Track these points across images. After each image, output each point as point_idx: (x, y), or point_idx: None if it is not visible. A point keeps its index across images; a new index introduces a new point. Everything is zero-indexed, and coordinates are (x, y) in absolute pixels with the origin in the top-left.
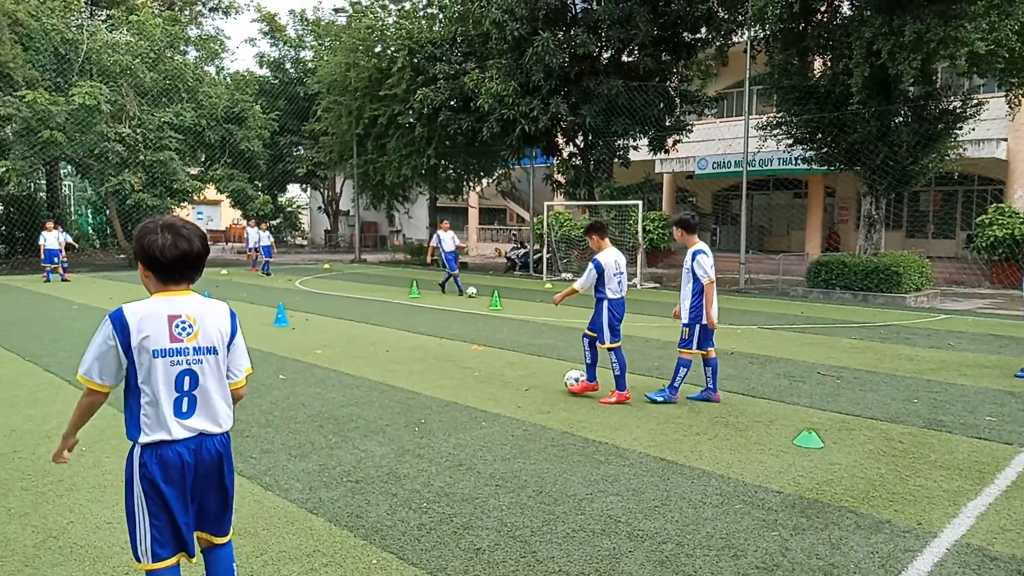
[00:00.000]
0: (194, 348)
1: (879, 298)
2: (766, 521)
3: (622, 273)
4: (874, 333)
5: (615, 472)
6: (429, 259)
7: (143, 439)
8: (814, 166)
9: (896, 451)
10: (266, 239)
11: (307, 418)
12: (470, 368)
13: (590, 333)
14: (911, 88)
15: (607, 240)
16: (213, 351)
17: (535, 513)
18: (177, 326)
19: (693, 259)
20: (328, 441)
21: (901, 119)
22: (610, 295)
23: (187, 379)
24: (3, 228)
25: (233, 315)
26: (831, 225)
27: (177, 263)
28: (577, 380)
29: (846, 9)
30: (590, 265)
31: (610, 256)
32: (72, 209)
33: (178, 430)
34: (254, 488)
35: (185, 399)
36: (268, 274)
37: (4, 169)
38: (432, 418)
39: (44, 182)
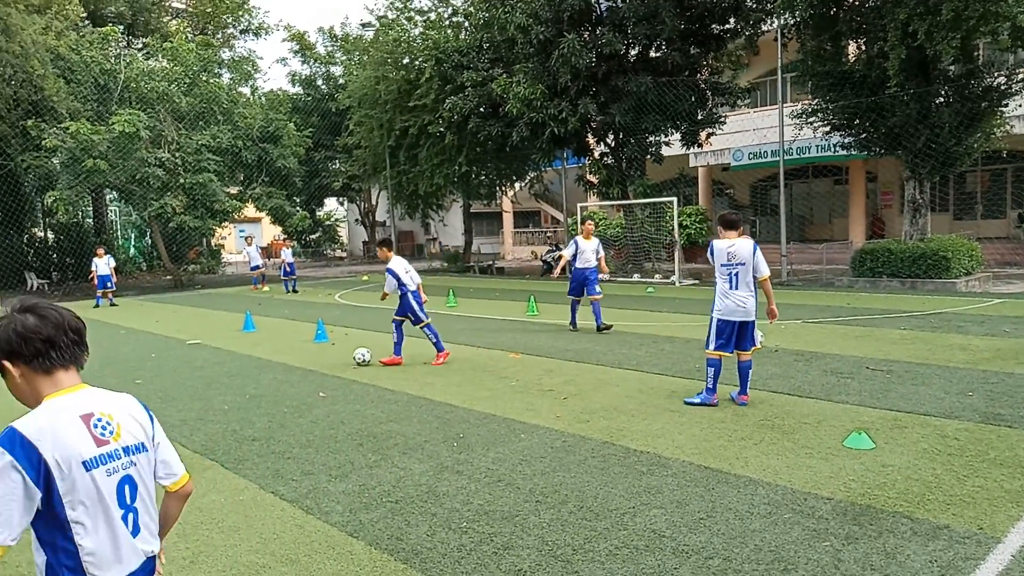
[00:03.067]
0: (123, 448)
1: (928, 285)
2: (816, 531)
3: (409, 271)
4: (924, 322)
5: (658, 483)
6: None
7: None
8: (853, 152)
9: (952, 449)
10: (289, 256)
11: (347, 436)
12: (508, 378)
13: (397, 317)
14: (951, 67)
15: (392, 252)
16: (142, 449)
17: (577, 530)
18: (95, 425)
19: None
20: (367, 460)
21: (942, 99)
22: (410, 288)
23: (127, 488)
24: (54, 255)
25: (144, 406)
26: (874, 211)
27: (54, 337)
28: (365, 357)
29: None
30: (386, 273)
31: (399, 264)
32: (119, 233)
33: (132, 558)
34: (295, 512)
35: (130, 515)
36: (295, 291)
37: (53, 199)
38: (470, 432)
39: (91, 209)
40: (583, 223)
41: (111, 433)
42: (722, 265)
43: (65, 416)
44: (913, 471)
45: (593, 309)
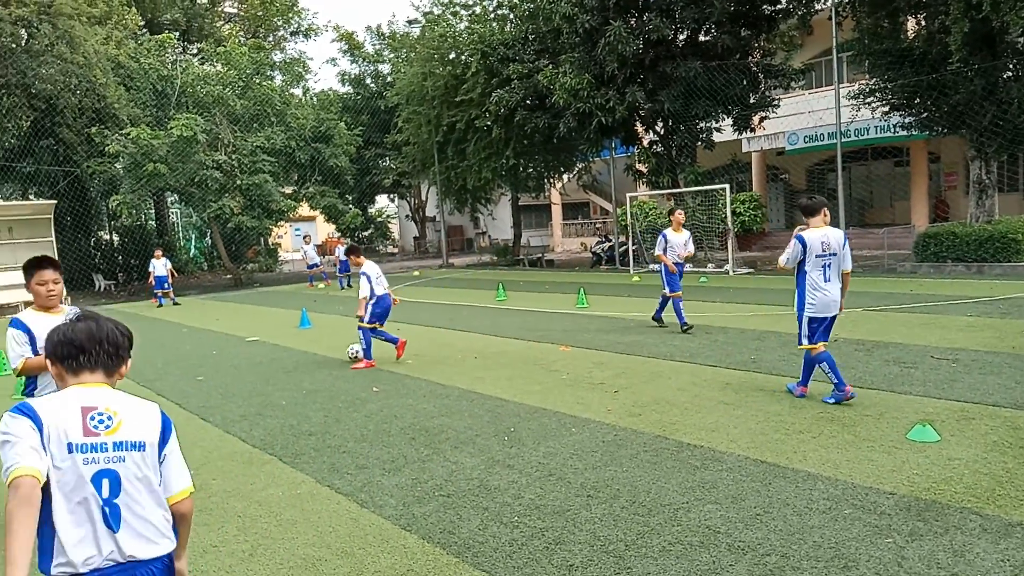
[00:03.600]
0: (114, 443)
1: (996, 269)
2: (879, 527)
3: (380, 276)
4: (992, 308)
5: (712, 478)
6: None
7: (56, 568)
8: (915, 132)
9: None
10: (343, 253)
11: (400, 431)
12: (558, 371)
13: (374, 325)
14: (1020, 39)
15: (363, 257)
16: (139, 447)
17: (629, 525)
18: (92, 418)
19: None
20: (420, 454)
21: (1010, 74)
22: (378, 292)
23: (105, 482)
24: (120, 257)
25: (166, 417)
26: (938, 193)
27: (86, 345)
28: (357, 353)
29: None
30: (361, 276)
31: (372, 268)
32: (180, 235)
33: (98, 551)
34: (350, 505)
35: (106, 509)
36: (350, 286)
37: (117, 203)
38: (521, 426)
39: (153, 212)
40: (671, 213)
41: (106, 428)
42: (817, 256)
43: (68, 403)
44: (982, 465)
45: (661, 302)
